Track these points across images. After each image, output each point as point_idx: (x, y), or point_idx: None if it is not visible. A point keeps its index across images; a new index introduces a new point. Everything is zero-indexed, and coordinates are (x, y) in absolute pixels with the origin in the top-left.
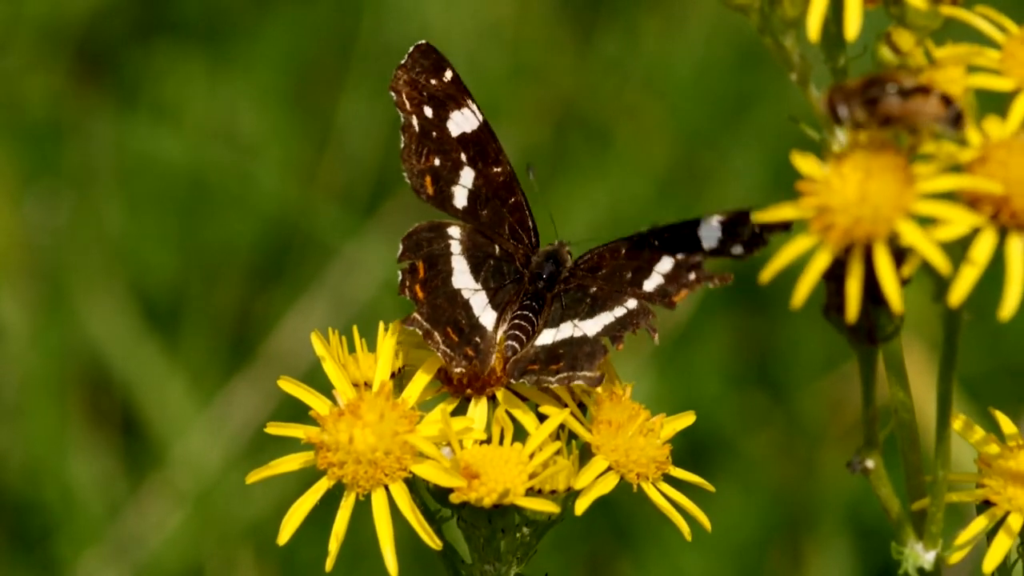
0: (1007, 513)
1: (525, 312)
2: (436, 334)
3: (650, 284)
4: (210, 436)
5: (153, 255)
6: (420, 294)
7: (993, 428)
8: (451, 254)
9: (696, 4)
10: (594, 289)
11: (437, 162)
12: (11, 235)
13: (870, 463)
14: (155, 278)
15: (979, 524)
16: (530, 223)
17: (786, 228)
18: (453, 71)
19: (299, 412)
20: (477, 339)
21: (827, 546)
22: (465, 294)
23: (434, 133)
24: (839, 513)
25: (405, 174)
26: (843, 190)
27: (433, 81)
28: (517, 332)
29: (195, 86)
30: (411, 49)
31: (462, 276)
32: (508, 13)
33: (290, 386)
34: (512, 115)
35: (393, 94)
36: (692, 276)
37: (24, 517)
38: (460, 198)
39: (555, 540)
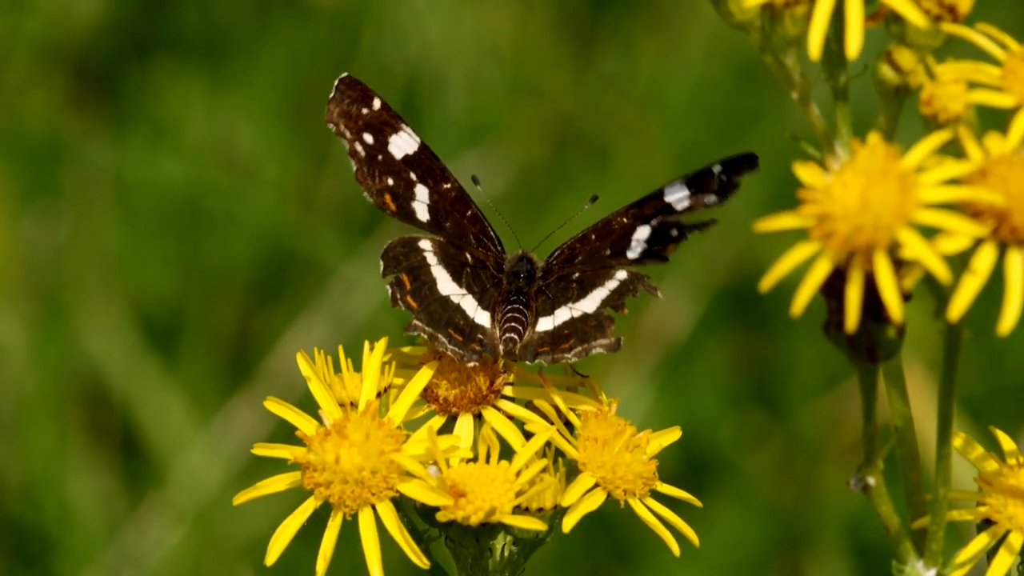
0: (1008, 531)
1: (515, 308)
2: (440, 336)
3: (633, 253)
4: (209, 454)
5: (152, 274)
6: (413, 303)
7: (993, 447)
8: (429, 265)
9: (694, 23)
10: (577, 275)
11: (391, 182)
12: (10, 253)
13: (871, 480)
14: (154, 297)
15: (980, 542)
16: (492, 232)
17: (753, 167)
18: (380, 99)
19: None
20: (480, 336)
21: (826, 564)
22: (454, 299)
23: (379, 156)
24: (838, 531)
25: (365, 194)
26: (844, 198)
27: (364, 110)
28: (513, 325)
29: (194, 105)
30: (336, 82)
31: (446, 284)
32: (507, 31)
33: (277, 407)
34: (511, 133)
35: (331, 126)
36: (674, 232)
37: (23, 535)
38: (422, 213)
39: (556, 558)
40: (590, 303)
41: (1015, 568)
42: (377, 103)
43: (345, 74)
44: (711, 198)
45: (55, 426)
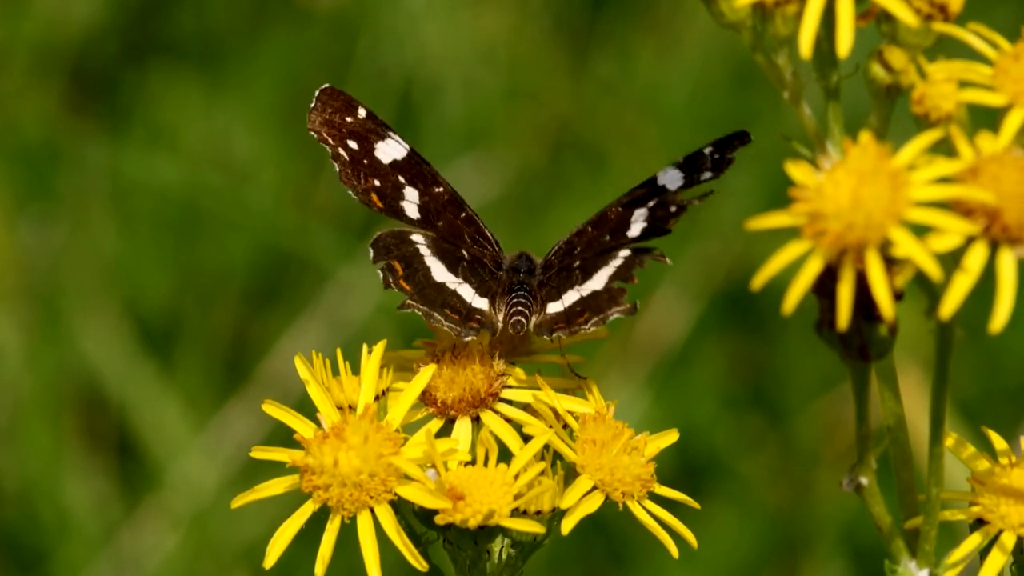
0: (1000, 531)
1: (520, 295)
2: (436, 314)
3: (634, 232)
4: (205, 458)
5: (148, 278)
6: (406, 287)
7: (988, 449)
8: (423, 256)
9: (691, 26)
10: (579, 263)
11: (377, 183)
12: (6, 257)
13: (863, 480)
14: (150, 301)
15: (972, 542)
16: (488, 233)
17: (745, 143)
18: (366, 109)
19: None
20: (478, 316)
21: (823, 567)
22: (451, 286)
23: (365, 160)
24: (835, 534)
25: (350, 192)
26: (836, 196)
27: (349, 119)
28: (519, 309)
29: (190, 109)
30: (317, 92)
31: (441, 273)
32: (504, 36)
33: (275, 410)
34: (508, 137)
35: (313, 134)
36: (673, 208)
37: (19, 539)
38: (411, 211)
39: (551, 562)
40: (597, 282)
41: (1008, 568)
42: (362, 112)
43: (326, 85)
44: (706, 174)
45: (51, 430)
